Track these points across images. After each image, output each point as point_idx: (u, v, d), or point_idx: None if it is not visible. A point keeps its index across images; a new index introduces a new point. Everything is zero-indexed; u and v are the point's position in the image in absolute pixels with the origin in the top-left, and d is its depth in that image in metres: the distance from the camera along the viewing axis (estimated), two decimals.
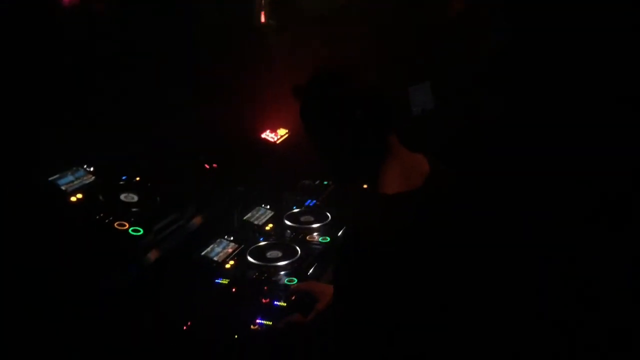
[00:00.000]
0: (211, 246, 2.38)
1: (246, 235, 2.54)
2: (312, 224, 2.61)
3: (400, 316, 1.55)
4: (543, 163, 3.01)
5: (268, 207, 2.75)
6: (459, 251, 1.64)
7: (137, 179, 2.35)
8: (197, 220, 2.40)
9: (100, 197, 2.17)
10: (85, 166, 2.28)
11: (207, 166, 2.68)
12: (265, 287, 2.16)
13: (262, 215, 2.69)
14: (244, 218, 2.63)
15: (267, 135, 3.27)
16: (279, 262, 2.29)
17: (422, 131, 1.86)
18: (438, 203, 1.62)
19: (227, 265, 2.29)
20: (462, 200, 1.70)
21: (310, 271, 2.31)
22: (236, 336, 1.98)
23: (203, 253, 2.33)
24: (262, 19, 4.09)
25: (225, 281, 2.20)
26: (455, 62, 3.40)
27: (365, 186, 2.80)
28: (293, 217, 2.67)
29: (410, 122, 1.72)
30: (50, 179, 2.14)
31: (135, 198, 2.24)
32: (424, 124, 3.18)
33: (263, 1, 4.41)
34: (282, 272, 2.25)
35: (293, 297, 2.07)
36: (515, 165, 3.01)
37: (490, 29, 3.42)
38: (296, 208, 2.78)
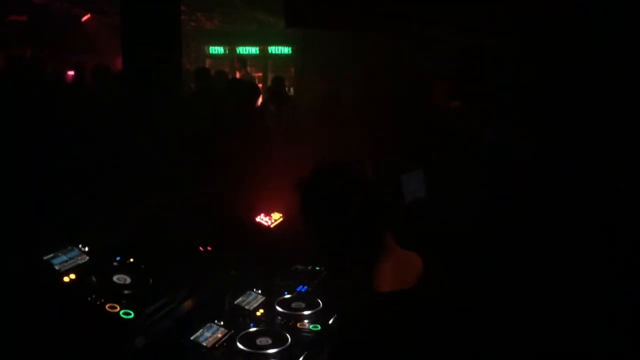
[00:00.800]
0: (201, 331, 2.36)
1: (236, 320, 2.52)
2: (303, 310, 2.60)
3: None
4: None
5: (259, 292, 2.74)
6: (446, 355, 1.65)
7: (131, 260, 2.36)
8: (188, 304, 2.39)
9: (93, 278, 2.17)
10: (80, 245, 2.30)
11: (201, 249, 2.70)
12: None
13: (253, 300, 2.68)
14: (235, 302, 2.62)
15: (262, 219, 3.31)
16: (269, 349, 2.26)
17: (416, 229, 1.91)
18: (428, 306, 1.64)
19: (217, 351, 2.27)
20: (451, 305, 1.72)
21: None
22: None
23: (192, 337, 2.30)
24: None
25: None
26: (450, 156, 3.51)
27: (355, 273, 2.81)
28: (284, 303, 2.65)
29: (404, 218, 1.77)
30: (44, 257, 2.15)
31: (128, 280, 2.24)
32: (418, 221, 3.24)
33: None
34: None
35: None
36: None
37: (486, 130, 3.56)
38: (287, 294, 2.77)
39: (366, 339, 1.55)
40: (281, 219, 3.39)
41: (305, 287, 2.86)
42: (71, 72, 7.56)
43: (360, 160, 1.75)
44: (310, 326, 2.50)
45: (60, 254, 2.20)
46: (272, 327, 2.48)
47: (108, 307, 2.06)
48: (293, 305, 2.65)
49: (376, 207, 1.67)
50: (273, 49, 11.88)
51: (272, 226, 3.30)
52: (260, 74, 11.76)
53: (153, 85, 3.73)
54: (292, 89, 9.49)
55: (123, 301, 2.11)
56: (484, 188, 3.32)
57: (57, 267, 2.14)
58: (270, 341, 2.32)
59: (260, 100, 5.76)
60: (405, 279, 1.65)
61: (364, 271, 1.69)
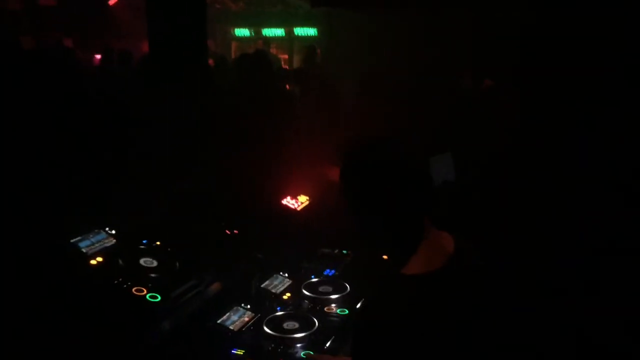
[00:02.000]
0: (227, 314, 2.35)
1: (263, 303, 2.50)
2: (331, 294, 2.58)
3: None
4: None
5: (286, 275, 2.72)
6: (469, 338, 1.60)
7: (158, 243, 2.35)
8: (215, 287, 2.38)
9: (120, 262, 2.16)
10: (107, 229, 2.29)
11: (227, 232, 2.68)
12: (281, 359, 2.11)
13: (279, 284, 2.66)
14: (262, 286, 2.60)
15: (288, 201, 3.28)
16: (296, 333, 2.24)
17: (449, 208, 1.86)
18: (452, 289, 1.60)
19: (244, 335, 2.25)
20: (477, 288, 1.66)
21: (328, 344, 2.25)
22: None
23: (219, 321, 2.29)
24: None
25: (240, 352, 2.16)
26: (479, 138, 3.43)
27: (385, 257, 2.77)
28: (311, 287, 2.63)
29: (437, 198, 1.71)
30: (72, 240, 2.15)
31: (155, 263, 2.23)
32: (451, 201, 3.19)
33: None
34: (299, 345, 2.20)
35: None
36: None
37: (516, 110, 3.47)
38: (314, 277, 2.74)
39: (394, 321, 1.51)
40: (308, 202, 3.36)
41: (333, 270, 2.84)
42: (98, 56, 7.61)
43: (398, 139, 1.68)
44: (338, 310, 2.48)
45: (87, 237, 2.20)
46: (299, 311, 2.46)
47: (135, 291, 2.06)
48: (320, 289, 2.62)
49: (418, 185, 1.61)
50: (299, 31, 11.79)
51: (298, 209, 3.27)
52: (287, 56, 11.69)
53: (179, 68, 3.72)
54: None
55: (149, 284, 2.10)
56: (516, 169, 3.24)
57: (84, 250, 2.14)
58: (297, 325, 2.30)
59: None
60: (434, 260, 1.60)
61: (400, 253, 1.64)
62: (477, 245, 1.75)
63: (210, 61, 5.37)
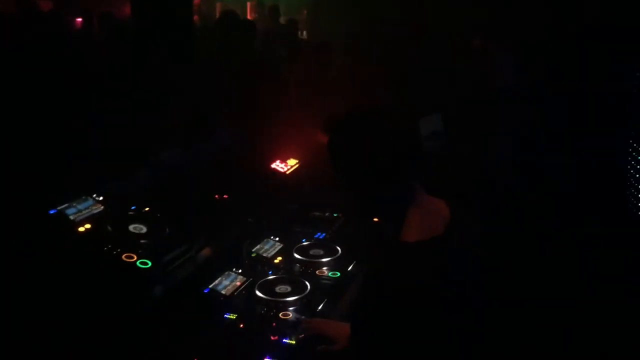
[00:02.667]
0: (219, 279, 2.33)
1: (255, 268, 2.50)
2: (322, 257, 2.57)
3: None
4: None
5: (277, 239, 2.71)
6: (475, 301, 1.60)
7: (147, 209, 2.32)
8: (205, 253, 2.37)
9: (109, 228, 2.13)
10: (94, 195, 2.25)
11: (217, 197, 2.65)
12: (274, 324, 2.11)
13: (271, 248, 2.65)
14: (253, 250, 2.59)
15: (277, 165, 3.25)
16: (288, 297, 2.24)
17: (443, 176, 1.84)
18: (457, 252, 1.59)
19: (236, 299, 2.25)
20: (479, 250, 1.66)
21: (320, 307, 2.26)
22: None
23: (211, 286, 2.28)
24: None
25: (233, 316, 2.15)
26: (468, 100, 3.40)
27: (376, 220, 2.77)
28: (302, 251, 2.62)
29: (431, 166, 1.69)
30: (58, 208, 2.11)
31: (144, 229, 2.21)
32: (445, 168, 3.17)
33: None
34: (292, 308, 2.20)
35: (302, 335, 2.02)
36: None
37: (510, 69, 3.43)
38: (305, 241, 2.73)
39: (392, 289, 1.51)
40: (297, 165, 3.33)
41: (324, 234, 2.83)
42: (79, 19, 7.42)
43: (388, 107, 1.66)
44: (330, 273, 2.48)
45: (74, 204, 2.16)
46: (291, 275, 2.46)
47: (125, 257, 2.03)
48: (311, 252, 2.62)
49: (407, 153, 1.59)
50: None
51: (288, 172, 3.24)
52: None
53: (162, 29, 3.62)
54: (305, 33, 9.24)
55: (140, 251, 2.08)
56: (509, 132, 3.23)
57: (71, 218, 2.10)
58: (289, 289, 2.30)
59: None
60: (432, 227, 1.59)
61: (391, 220, 1.63)
62: (469, 210, 1.75)
63: (196, 17, 5.20)
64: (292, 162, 3.34)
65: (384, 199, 1.63)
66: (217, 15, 6.49)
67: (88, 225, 2.10)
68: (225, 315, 2.16)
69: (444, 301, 1.52)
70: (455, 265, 1.56)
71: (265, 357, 1.95)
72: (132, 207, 2.31)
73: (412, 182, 1.63)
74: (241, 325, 2.11)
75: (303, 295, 2.26)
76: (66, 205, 2.14)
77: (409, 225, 1.60)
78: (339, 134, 1.65)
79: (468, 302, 1.58)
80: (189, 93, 3.12)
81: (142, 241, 2.15)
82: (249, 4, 10.45)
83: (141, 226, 2.22)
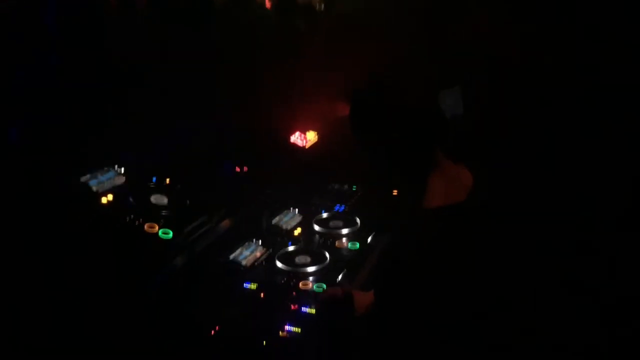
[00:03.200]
0: (239, 250, 2.36)
1: (274, 239, 2.52)
2: (341, 229, 2.59)
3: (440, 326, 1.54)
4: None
5: (297, 211, 2.73)
6: (496, 267, 1.60)
7: (168, 181, 2.34)
8: (226, 224, 2.39)
9: (131, 199, 2.16)
10: (116, 167, 2.28)
11: (237, 169, 2.67)
12: (294, 293, 2.13)
13: (290, 220, 2.67)
14: (273, 222, 2.61)
15: (297, 138, 3.25)
16: (308, 267, 2.26)
17: (466, 142, 1.82)
18: (479, 218, 1.59)
19: (256, 270, 2.28)
20: (502, 216, 1.66)
21: (339, 278, 2.28)
22: (264, 342, 1.96)
23: (231, 257, 2.31)
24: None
25: (253, 286, 2.18)
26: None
27: (395, 192, 2.77)
28: (322, 222, 2.64)
29: (453, 133, 1.68)
30: (81, 179, 2.14)
31: (166, 200, 2.23)
32: (467, 135, 3.15)
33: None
34: (311, 278, 2.22)
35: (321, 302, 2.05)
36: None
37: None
38: (325, 213, 2.75)
39: (416, 255, 1.52)
40: (316, 138, 3.33)
41: (343, 206, 2.84)
42: None
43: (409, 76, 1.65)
44: (349, 244, 2.49)
45: (96, 176, 2.18)
46: (311, 246, 2.47)
47: (147, 227, 2.06)
48: (331, 224, 2.64)
49: (429, 119, 1.59)
50: None
51: (307, 146, 3.24)
52: None
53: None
54: (322, 5, 9.13)
55: (161, 221, 2.11)
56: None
57: (94, 189, 2.13)
58: (309, 259, 2.32)
59: None
60: (455, 193, 1.59)
61: (413, 187, 1.63)
62: (494, 177, 1.74)
63: None
64: (311, 135, 3.34)
65: (407, 166, 1.63)
66: None
67: (110, 197, 2.12)
68: (245, 285, 2.19)
69: (462, 264, 1.52)
70: (474, 231, 1.56)
71: (285, 325, 1.98)
72: (153, 179, 2.34)
73: (435, 149, 1.62)
74: (261, 295, 2.14)
75: (322, 266, 2.28)
76: (89, 176, 2.16)
77: (431, 192, 1.60)
78: (362, 101, 1.64)
79: (487, 266, 1.58)
80: (209, 65, 3.12)
81: (163, 212, 2.17)
82: None
83: (162, 197, 2.24)
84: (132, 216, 2.07)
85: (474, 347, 1.60)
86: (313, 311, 2.04)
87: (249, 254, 2.36)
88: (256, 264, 2.31)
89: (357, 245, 2.48)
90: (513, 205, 1.70)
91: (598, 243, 2.89)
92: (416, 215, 1.62)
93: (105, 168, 2.25)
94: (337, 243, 2.50)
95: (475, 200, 1.59)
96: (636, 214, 2.88)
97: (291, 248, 2.42)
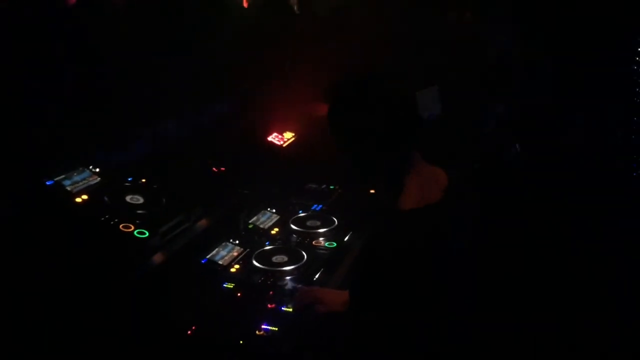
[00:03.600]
0: (216, 249, 2.35)
1: (252, 239, 2.51)
2: (319, 228, 2.59)
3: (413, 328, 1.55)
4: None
5: (274, 211, 2.73)
6: (469, 266, 1.62)
7: (143, 180, 2.32)
8: (202, 223, 2.37)
9: (106, 199, 2.14)
10: (90, 167, 2.26)
11: (214, 169, 2.66)
12: (271, 292, 2.13)
13: (267, 220, 2.67)
14: (250, 222, 2.60)
15: (274, 138, 3.25)
16: (285, 266, 2.26)
17: (441, 143, 1.85)
18: (452, 219, 1.61)
19: (233, 269, 2.27)
20: (477, 218, 1.68)
21: (317, 276, 2.28)
22: (241, 341, 1.95)
23: (208, 256, 2.30)
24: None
25: (230, 285, 2.17)
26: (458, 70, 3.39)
27: (372, 191, 2.78)
28: (299, 222, 2.64)
29: (428, 133, 1.71)
30: (55, 179, 2.12)
31: (141, 200, 2.21)
32: (443, 136, 3.18)
33: None
34: (288, 277, 2.22)
35: (297, 303, 2.05)
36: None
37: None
38: (302, 212, 2.75)
39: (391, 255, 1.54)
40: (293, 138, 3.33)
41: (320, 205, 2.84)
42: None
43: (386, 73, 1.66)
44: (326, 243, 2.50)
45: (71, 176, 2.16)
46: (288, 245, 2.47)
47: (122, 227, 2.04)
48: (308, 223, 2.64)
49: (407, 120, 1.60)
50: None
51: (284, 145, 3.24)
52: None
53: None
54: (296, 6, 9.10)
55: (137, 221, 2.09)
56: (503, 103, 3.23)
57: (68, 188, 2.11)
58: (286, 258, 2.32)
59: None
60: (429, 194, 1.61)
61: (390, 188, 1.65)
62: (468, 180, 1.76)
63: None
64: (289, 135, 3.34)
65: (384, 166, 1.64)
66: None
67: (85, 196, 2.10)
68: (223, 285, 2.18)
69: (437, 266, 1.54)
70: (449, 232, 1.57)
71: (262, 324, 1.97)
72: (129, 179, 2.32)
73: (412, 150, 1.64)
74: (239, 294, 2.13)
75: (300, 264, 2.28)
76: (63, 176, 2.14)
77: (406, 193, 1.62)
78: (339, 100, 1.65)
79: (462, 267, 1.60)
80: (184, 64, 3.10)
81: (139, 212, 2.15)
82: None
83: (138, 197, 2.22)
84: (107, 216, 2.05)
85: (449, 345, 1.62)
86: (290, 309, 2.04)
87: (225, 253, 2.35)
88: (233, 263, 2.30)
89: (335, 244, 2.49)
90: (487, 206, 1.72)
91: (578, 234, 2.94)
92: (391, 216, 1.63)
93: (80, 168, 2.23)
94: (314, 242, 2.51)
95: (448, 202, 1.61)
96: None
97: (268, 247, 2.42)
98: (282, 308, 2.05)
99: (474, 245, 1.65)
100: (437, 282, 1.56)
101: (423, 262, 1.53)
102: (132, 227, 2.05)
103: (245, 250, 2.39)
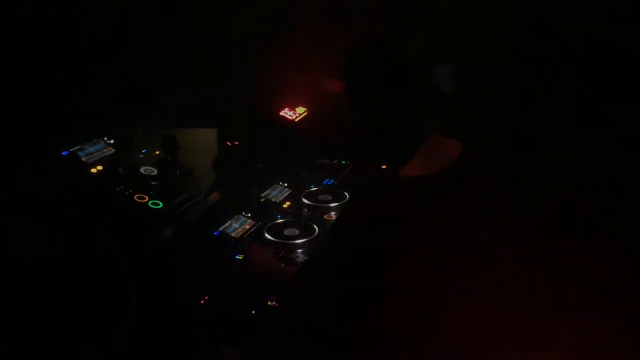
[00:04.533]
0: (229, 222, 2.38)
1: (264, 212, 2.53)
2: (330, 202, 2.61)
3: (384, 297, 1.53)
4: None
5: (286, 185, 2.74)
6: (452, 243, 1.55)
7: (157, 152, 2.34)
8: (215, 196, 2.40)
9: (120, 170, 2.16)
10: (105, 138, 2.28)
11: (228, 143, 2.67)
12: (283, 265, 2.15)
13: (279, 194, 2.68)
14: (262, 195, 2.63)
15: (286, 113, 3.25)
16: (297, 239, 2.28)
17: (457, 115, 1.82)
18: (443, 194, 1.55)
19: (245, 242, 2.29)
20: (471, 196, 1.61)
21: None
22: (253, 312, 1.99)
23: (221, 229, 2.33)
24: None
25: (242, 257, 2.20)
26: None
27: (384, 167, 2.78)
28: (311, 196, 2.66)
29: (445, 106, 1.68)
30: (71, 150, 2.14)
31: (155, 171, 2.23)
32: (459, 108, 3.16)
33: None
34: (300, 250, 2.25)
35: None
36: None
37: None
38: (314, 187, 2.76)
39: (376, 218, 1.48)
40: (306, 113, 3.33)
41: (332, 180, 2.86)
42: None
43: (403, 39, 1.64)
44: None
45: (85, 147, 2.18)
46: (299, 219, 2.49)
47: (137, 198, 2.07)
48: (320, 197, 2.65)
49: (423, 89, 1.58)
50: None
51: (296, 120, 3.24)
52: None
53: None
54: None
55: (151, 192, 2.11)
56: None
57: (83, 159, 2.13)
58: (297, 232, 2.34)
59: None
60: (436, 164, 1.58)
61: (403, 160, 1.61)
62: (492, 156, 1.72)
63: None
64: (301, 110, 3.34)
65: (399, 138, 1.62)
66: None
67: (100, 167, 2.13)
68: (235, 257, 2.21)
69: (408, 238, 1.48)
70: (434, 204, 1.52)
71: (272, 296, 2.00)
72: (143, 151, 2.34)
73: (428, 122, 1.62)
74: None
75: (311, 238, 2.30)
76: (78, 147, 2.16)
77: (411, 163, 1.59)
78: (360, 58, 1.63)
79: (442, 249, 1.53)
80: (196, 37, 3.10)
81: (153, 183, 2.18)
82: None
83: (152, 169, 2.25)
84: (122, 186, 2.08)
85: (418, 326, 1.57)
86: None
87: (238, 226, 2.38)
88: (245, 235, 2.33)
89: None
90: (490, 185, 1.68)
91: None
92: (387, 180, 1.59)
93: (95, 140, 2.24)
94: (325, 216, 2.52)
95: (449, 174, 1.56)
96: None
97: (280, 220, 2.44)
98: None
99: (463, 222, 1.57)
100: (413, 259, 1.48)
101: (402, 231, 1.46)
102: (147, 198, 2.08)
103: (257, 223, 2.41)
